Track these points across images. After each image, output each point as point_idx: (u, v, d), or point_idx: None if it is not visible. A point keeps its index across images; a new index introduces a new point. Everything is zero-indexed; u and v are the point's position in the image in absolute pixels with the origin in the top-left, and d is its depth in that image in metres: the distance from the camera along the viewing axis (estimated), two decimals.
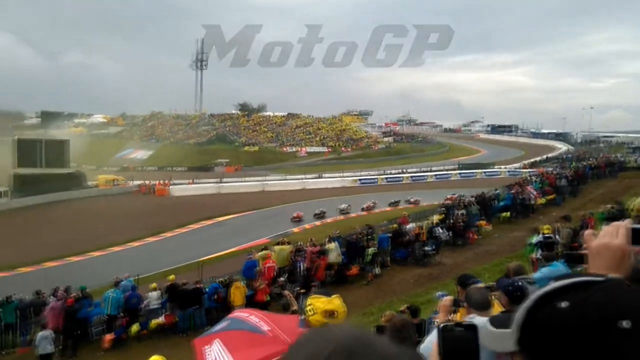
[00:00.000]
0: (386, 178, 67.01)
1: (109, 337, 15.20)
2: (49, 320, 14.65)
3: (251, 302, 15.78)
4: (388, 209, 41.76)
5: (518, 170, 66.82)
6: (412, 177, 68.13)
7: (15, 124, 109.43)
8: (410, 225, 23.54)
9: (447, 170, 72.58)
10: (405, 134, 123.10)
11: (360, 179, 65.68)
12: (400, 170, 72.39)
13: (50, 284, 19.34)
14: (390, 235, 22.15)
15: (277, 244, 21.88)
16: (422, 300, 13.76)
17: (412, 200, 44.83)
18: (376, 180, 65.83)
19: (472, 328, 1.35)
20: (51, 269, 28.47)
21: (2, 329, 15.61)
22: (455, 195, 45.44)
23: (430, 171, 71.64)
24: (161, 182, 58.68)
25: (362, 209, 41.88)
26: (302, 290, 16.87)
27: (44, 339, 13.55)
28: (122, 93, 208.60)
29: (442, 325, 1.40)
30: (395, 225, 23.87)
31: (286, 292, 17.37)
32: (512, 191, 30.43)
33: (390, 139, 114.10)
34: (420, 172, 71.48)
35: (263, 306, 15.04)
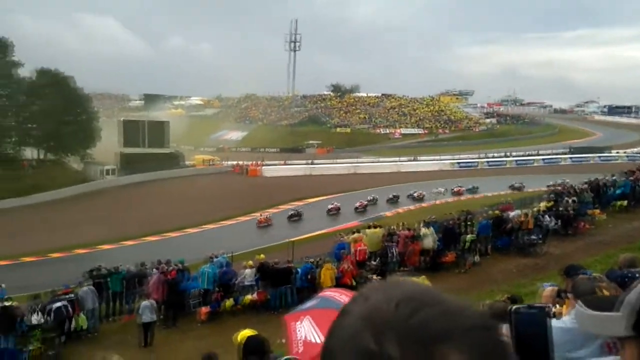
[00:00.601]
0: (487, 162, 64.57)
1: (205, 310, 16.20)
2: (152, 291, 15.88)
3: (339, 285, 16.02)
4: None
5: (638, 154, 61.26)
6: (516, 161, 65.11)
7: (121, 106, 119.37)
8: (514, 213, 22.50)
9: (556, 154, 68.45)
10: (510, 115, 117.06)
11: (458, 162, 63.76)
12: (503, 154, 69.49)
13: (151, 257, 20.97)
14: (491, 222, 21.35)
15: (369, 227, 21.90)
16: (526, 291, 13.10)
17: (415, 195, 41.70)
18: (476, 163, 63.61)
19: (543, 310, 1.25)
20: (152, 243, 30.92)
21: (109, 298, 17.18)
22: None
23: (537, 155, 67.80)
24: (254, 162, 61.00)
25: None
26: (377, 277, 16.83)
27: (147, 308, 14.64)
28: (218, 75, 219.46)
29: (513, 307, 1.30)
30: (496, 212, 22.97)
31: (373, 277, 17.49)
32: (631, 178, 27.81)
33: (493, 120, 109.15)
34: (526, 155, 67.95)
35: (350, 289, 15.18)
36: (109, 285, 17.09)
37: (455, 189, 43.86)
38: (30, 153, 54.79)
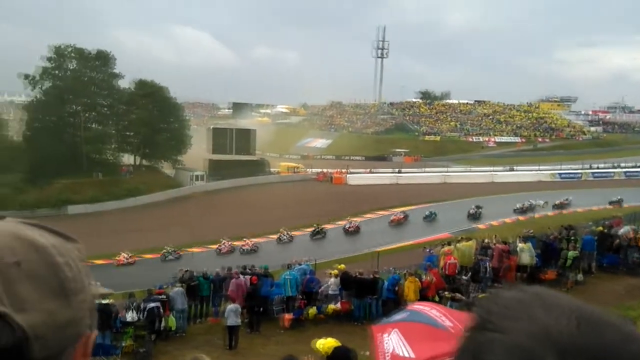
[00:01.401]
0: (592, 173, 60.86)
1: (288, 316, 16.47)
2: (232, 295, 16.42)
3: (423, 297, 15.70)
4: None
5: None
6: (625, 172, 60.77)
7: (210, 114, 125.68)
8: (624, 229, 20.89)
9: None
10: (618, 123, 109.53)
11: (559, 173, 60.54)
12: (610, 165, 65.23)
13: (238, 261, 21.78)
14: (596, 238, 19.99)
15: (459, 240, 21.33)
16: (635, 314, 12.18)
17: (394, 218, 37.75)
18: (580, 174, 60.15)
19: None
20: (237, 248, 32.05)
21: (197, 300, 18.00)
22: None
23: None
24: (338, 170, 61.48)
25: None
26: (456, 295, 16.18)
27: (232, 312, 15.16)
28: (304, 83, 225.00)
29: None
30: (600, 227, 21.50)
31: (457, 295, 16.89)
32: None
33: (599, 128, 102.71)
34: (636, 167, 63.08)
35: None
36: (199, 288, 17.89)
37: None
38: (127, 159, 59.15)
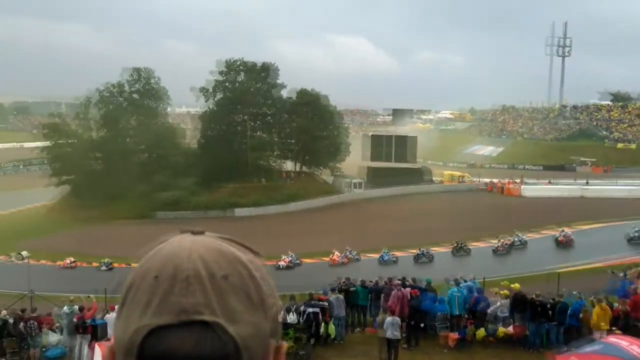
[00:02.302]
0: None
1: (453, 336, 16.01)
2: (392, 307, 16.38)
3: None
4: None
5: None
6: None
7: (369, 121, 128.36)
8: None
9: None
10: None
11: None
12: None
13: (392, 272, 21.73)
14: None
15: None
16: None
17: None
18: None
19: None
20: (392, 258, 32.06)
21: (356, 310, 18.36)
22: None
23: None
24: (511, 180, 58.47)
25: None
26: None
27: (391, 324, 15.15)
28: (471, 87, 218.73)
29: None
30: None
31: None
32: None
33: None
34: None
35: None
36: (355, 296, 18.27)
37: None
38: (289, 165, 63.04)
